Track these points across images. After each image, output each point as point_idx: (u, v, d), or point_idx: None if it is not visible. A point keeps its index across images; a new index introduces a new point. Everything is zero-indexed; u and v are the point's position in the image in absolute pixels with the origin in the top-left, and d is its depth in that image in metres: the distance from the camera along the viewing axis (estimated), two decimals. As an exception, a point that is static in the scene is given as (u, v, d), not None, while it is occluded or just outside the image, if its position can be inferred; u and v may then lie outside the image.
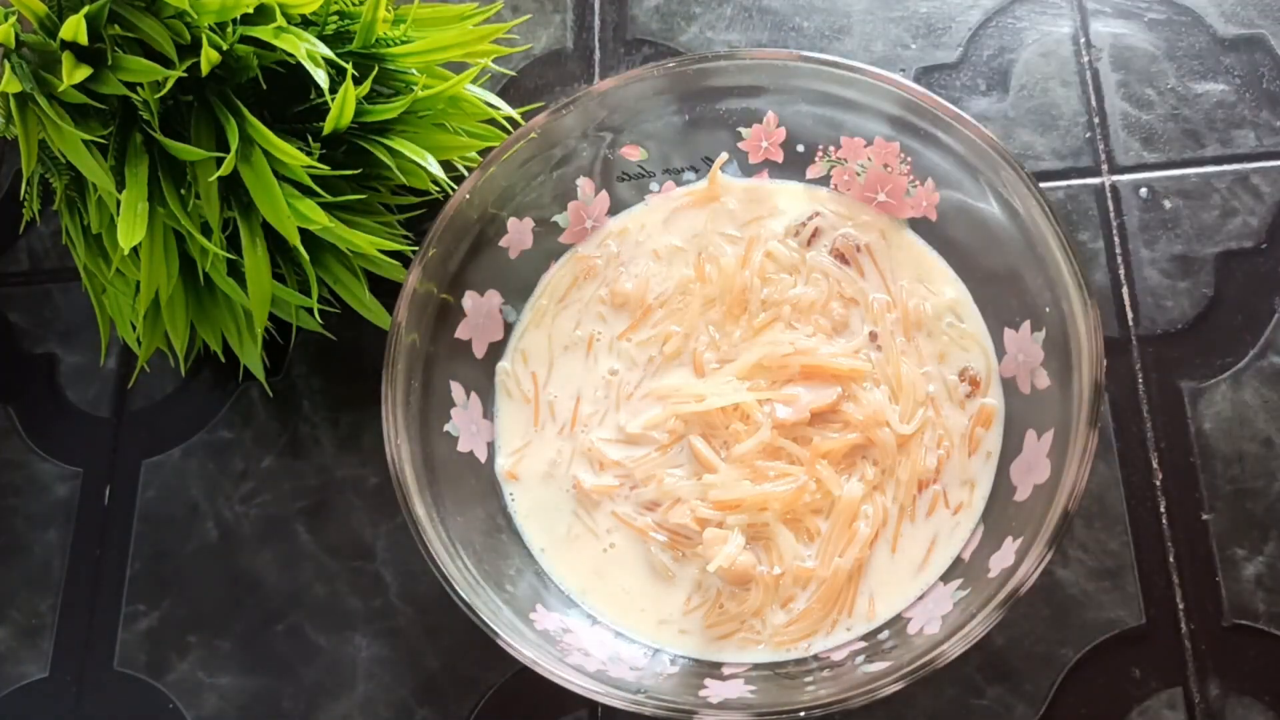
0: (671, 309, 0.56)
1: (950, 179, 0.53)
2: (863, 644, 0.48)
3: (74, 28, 0.47)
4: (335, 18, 0.53)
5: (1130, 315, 0.55)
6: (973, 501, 0.50)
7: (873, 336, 0.53)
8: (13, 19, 0.48)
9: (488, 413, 0.55)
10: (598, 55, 0.66)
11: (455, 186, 0.54)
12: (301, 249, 0.51)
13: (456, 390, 0.54)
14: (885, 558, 0.50)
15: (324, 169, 0.51)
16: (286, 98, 0.53)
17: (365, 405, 0.58)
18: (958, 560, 0.49)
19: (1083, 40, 0.62)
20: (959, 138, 0.52)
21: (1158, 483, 0.52)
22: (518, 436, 0.55)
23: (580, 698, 0.45)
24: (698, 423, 0.53)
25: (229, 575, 0.57)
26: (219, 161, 0.49)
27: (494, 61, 0.58)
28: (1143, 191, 0.58)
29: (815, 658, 0.49)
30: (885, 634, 0.48)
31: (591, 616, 0.51)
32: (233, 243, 0.52)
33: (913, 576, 0.49)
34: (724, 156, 0.57)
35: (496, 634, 0.46)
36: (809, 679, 0.47)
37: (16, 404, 0.63)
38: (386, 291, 0.55)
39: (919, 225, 0.56)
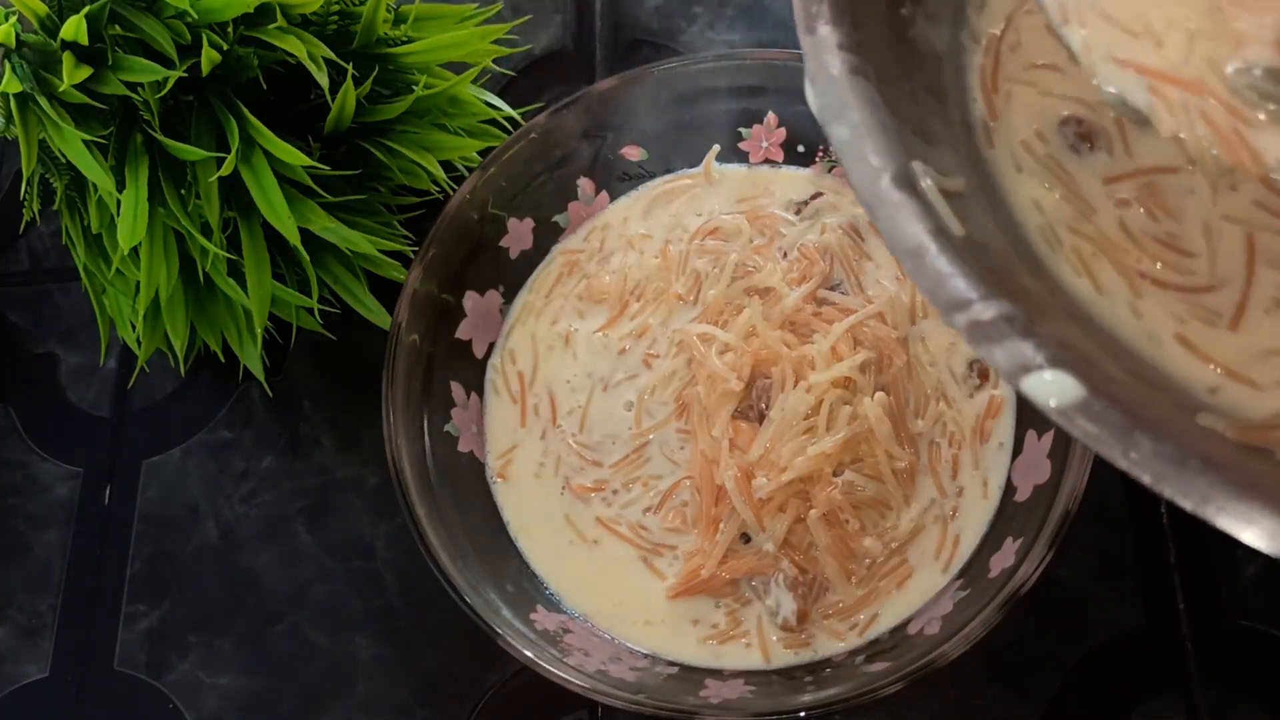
0: (648, 300, 0.55)
1: (950, 179, 0.53)
2: (863, 644, 0.48)
3: (74, 28, 0.46)
4: (336, 17, 0.53)
5: (1130, 315, 0.55)
6: (988, 494, 0.50)
7: (880, 317, 0.53)
8: (13, 19, 0.48)
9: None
10: (598, 55, 0.66)
11: (455, 186, 0.54)
12: (301, 249, 0.51)
13: (456, 390, 0.54)
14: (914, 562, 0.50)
15: (324, 169, 0.51)
16: (287, 98, 0.53)
17: (365, 405, 0.58)
18: (958, 560, 0.49)
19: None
20: (959, 138, 0.52)
21: (1158, 483, 0.52)
22: (507, 437, 0.55)
23: (580, 698, 0.45)
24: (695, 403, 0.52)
25: (229, 575, 0.57)
26: (219, 162, 0.49)
27: (494, 61, 0.58)
28: (1143, 192, 0.58)
29: (815, 659, 0.49)
30: (885, 634, 0.48)
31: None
32: (233, 243, 0.52)
33: (941, 575, 0.49)
34: (716, 148, 0.57)
35: (496, 634, 0.46)
36: (809, 679, 0.47)
37: (16, 404, 0.63)
38: (386, 291, 0.55)
39: (919, 225, 0.56)
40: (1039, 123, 0.38)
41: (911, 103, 0.36)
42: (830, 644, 0.48)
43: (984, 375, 0.52)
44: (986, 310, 0.30)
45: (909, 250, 0.31)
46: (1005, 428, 0.51)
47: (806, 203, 0.56)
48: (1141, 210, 0.36)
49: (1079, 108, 0.38)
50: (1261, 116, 0.34)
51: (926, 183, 0.33)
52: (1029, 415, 0.50)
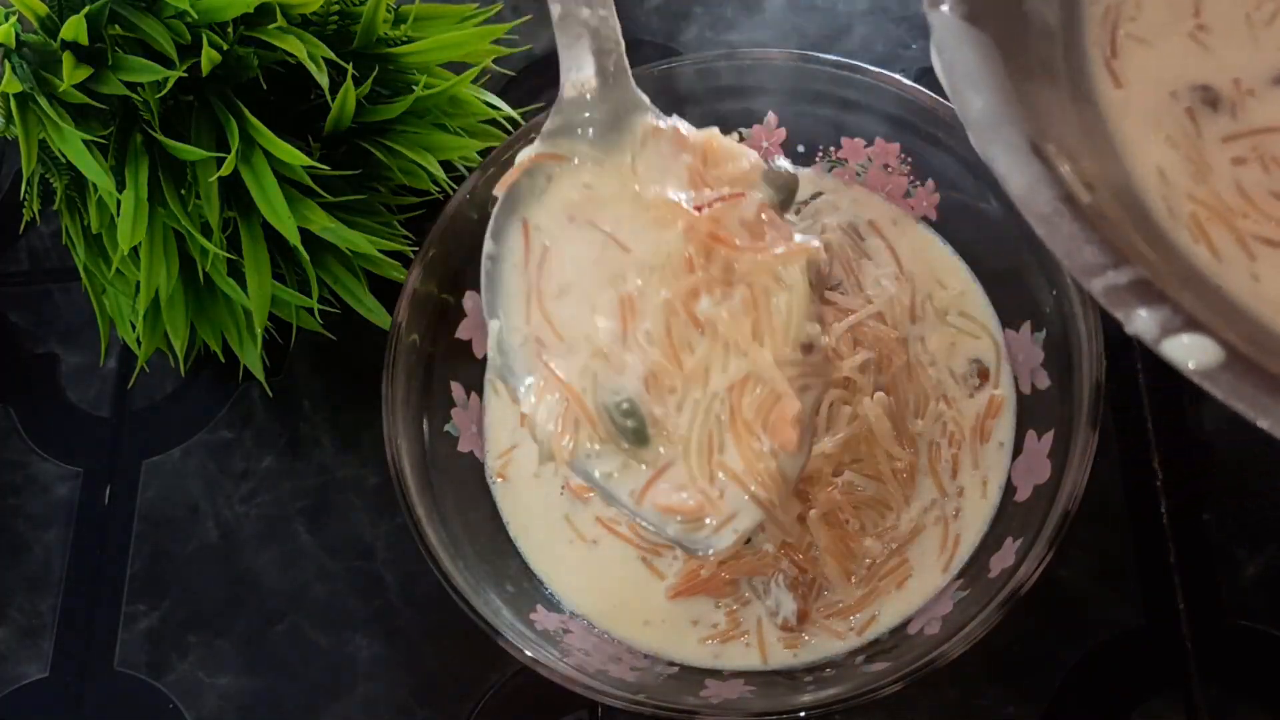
0: None
1: (951, 179, 0.53)
2: (863, 644, 0.48)
3: (74, 28, 0.47)
4: (336, 17, 0.53)
5: (1130, 315, 0.55)
6: (987, 494, 0.50)
7: (880, 317, 0.53)
8: (13, 19, 0.48)
9: (488, 413, 0.55)
10: (598, 55, 0.66)
11: (455, 186, 0.54)
12: (301, 249, 0.51)
13: (456, 390, 0.54)
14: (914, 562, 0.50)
15: (324, 169, 0.51)
16: (287, 98, 0.53)
17: (365, 405, 0.58)
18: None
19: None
20: (959, 138, 0.52)
21: (1158, 483, 0.52)
22: (506, 437, 0.55)
23: (580, 698, 0.45)
24: None
25: (229, 575, 0.57)
26: (219, 162, 0.49)
27: (494, 62, 0.58)
28: (1143, 192, 0.58)
29: (815, 660, 0.48)
30: (885, 634, 0.48)
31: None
32: (233, 243, 0.52)
33: (940, 575, 0.49)
34: None
35: (496, 634, 0.46)
36: (809, 679, 0.47)
37: (16, 404, 0.63)
38: (386, 291, 0.55)
39: (919, 225, 0.56)
40: (1166, 87, 0.39)
41: (1027, 76, 0.37)
42: (830, 644, 0.48)
43: (983, 375, 0.52)
44: (1121, 275, 0.31)
45: (1043, 216, 0.32)
46: (1005, 428, 0.51)
47: (806, 202, 0.56)
48: (1258, 165, 0.37)
49: (1204, 74, 0.39)
50: (600, 439, 0.42)
51: (1051, 149, 0.33)
52: (1029, 415, 0.50)
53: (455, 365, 0.55)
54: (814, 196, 0.56)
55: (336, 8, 0.53)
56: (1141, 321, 0.30)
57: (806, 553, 0.49)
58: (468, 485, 0.53)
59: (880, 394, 0.49)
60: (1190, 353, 0.30)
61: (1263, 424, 0.29)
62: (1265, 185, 0.37)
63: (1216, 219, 0.36)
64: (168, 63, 0.48)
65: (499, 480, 0.54)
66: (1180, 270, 0.35)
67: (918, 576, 0.49)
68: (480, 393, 0.55)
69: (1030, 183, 0.32)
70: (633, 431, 0.42)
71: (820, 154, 0.57)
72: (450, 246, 0.54)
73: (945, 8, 0.36)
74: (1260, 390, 0.29)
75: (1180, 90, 0.39)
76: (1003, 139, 0.33)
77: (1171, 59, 0.40)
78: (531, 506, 0.53)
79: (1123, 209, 0.36)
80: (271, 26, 0.49)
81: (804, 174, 0.57)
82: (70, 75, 0.47)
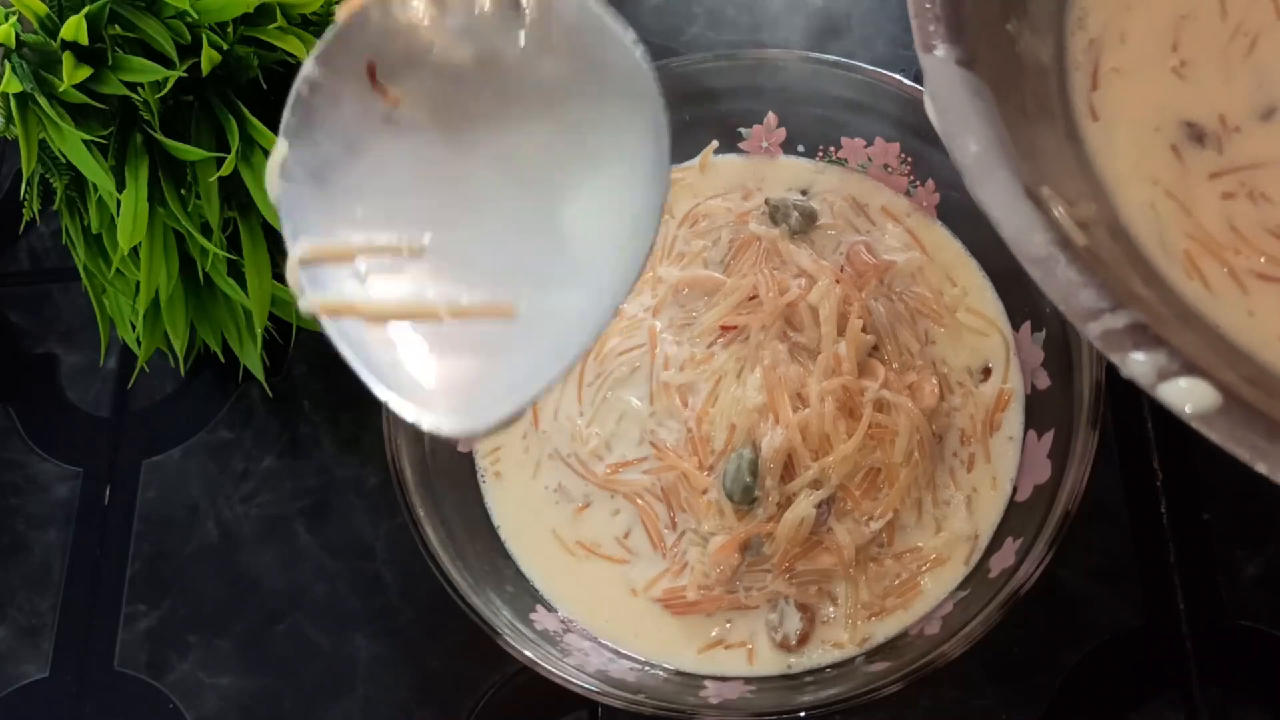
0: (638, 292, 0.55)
1: (951, 179, 0.53)
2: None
3: (74, 28, 0.46)
4: (335, 18, 0.53)
5: (1130, 315, 0.55)
6: (997, 486, 0.50)
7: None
8: (13, 19, 0.48)
9: (488, 413, 0.55)
10: (598, 55, 0.66)
11: (455, 186, 0.54)
12: (302, 249, 0.51)
13: (456, 390, 0.54)
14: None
15: (324, 169, 0.51)
16: (287, 98, 0.53)
17: (365, 405, 0.58)
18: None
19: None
20: (959, 138, 0.51)
21: (1158, 483, 0.52)
22: (498, 435, 0.54)
23: (580, 698, 0.45)
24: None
25: (229, 575, 0.57)
26: (219, 161, 0.49)
27: (494, 61, 0.58)
28: (1143, 192, 0.58)
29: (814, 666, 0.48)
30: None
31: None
32: (233, 243, 0.52)
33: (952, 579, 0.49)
34: (714, 144, 0.57)
35: (496, 634, 0.46)
36: (809, 679, 0.47)
37: (16, 404, 0.63)
38: (387, 291, 0.55)
39: (919, 225, 0.56)
40: (1150, 122, 0.39)
41: (1021, 116, 0.37)
42: (829, 654, 0.48)
43: (985, 372, 0.52)
44: (1118, 319, 0.31)
45: (1038, 260, 0.32)
46: (1015, 421, 0.50)
47: (805, 191, 0.56)
48: (1247, 200, 0.37)
49: (1189, 109, 0.39)
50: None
51: (1046, 192, 0.33)
52: (1029, 415, 0.50)
53: (455, 365, 0.55)
54: (804, 191, 0.56)
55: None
56: (1138, 365, 0.30)
57: (820, 583, 0.48)
58: (467, 485, 0.53)
59: (909, 404, 0.49)
60: (1187, 397, 0.30)
61: (1260, 468, 0.29)
62: (1256, 220, 0.37)
63: (1209, 254, 0.36)
64: (168, 63, 0.48)
65: (490, 480, 0.53)
66: (1177, 309, 0.35)
67: (930, 594, 0.48)
68: (480, 393, 0.55)
69: (1024, 227, 0.32)
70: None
71: (820, 154, 0.57)
72: (450, 246, 0.54)
73: (939, 52, 0.35)
74: (1258, 434, 0.29)
75: (1165, 125, 0.39)
76: (996, 184, 0.33)
77: (1155, 94, 0.39)
78: (521, 510, 0.52)
79: (1118, 248, 0.36)
80: (271, 26, 0.49)
81: (803, 163, 0.57)
82: (70, 75, 0.47)
